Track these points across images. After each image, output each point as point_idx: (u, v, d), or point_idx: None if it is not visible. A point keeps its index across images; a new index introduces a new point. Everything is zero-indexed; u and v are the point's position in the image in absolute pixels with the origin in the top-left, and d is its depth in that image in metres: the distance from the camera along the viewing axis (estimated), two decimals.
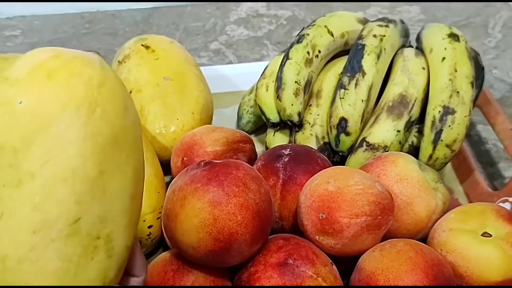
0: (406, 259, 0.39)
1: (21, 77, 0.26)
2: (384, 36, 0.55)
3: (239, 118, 0.64)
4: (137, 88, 0.56)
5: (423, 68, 0.55)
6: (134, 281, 0.35)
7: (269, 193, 0.41)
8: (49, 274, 0.26)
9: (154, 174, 0.50)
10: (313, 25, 0.58)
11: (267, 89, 0.57)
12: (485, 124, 0.64)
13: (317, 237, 0.42)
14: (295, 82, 0.54)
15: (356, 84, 0.52)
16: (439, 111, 0.51)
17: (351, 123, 0.52)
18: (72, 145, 0.26)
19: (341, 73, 0.55)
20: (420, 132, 0.54)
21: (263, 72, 0.59)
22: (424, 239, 0.45)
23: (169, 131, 0.55)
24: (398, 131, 0.52)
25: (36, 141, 0.26)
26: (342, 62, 0.58)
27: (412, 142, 0.55)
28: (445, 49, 0.54)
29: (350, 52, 0.55)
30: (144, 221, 0.47)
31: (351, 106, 0.52)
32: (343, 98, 0.52)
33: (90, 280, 0.28)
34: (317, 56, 0.56)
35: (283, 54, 0.57)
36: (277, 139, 0.57)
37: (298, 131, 0.56)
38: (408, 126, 0.52)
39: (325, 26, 0.58)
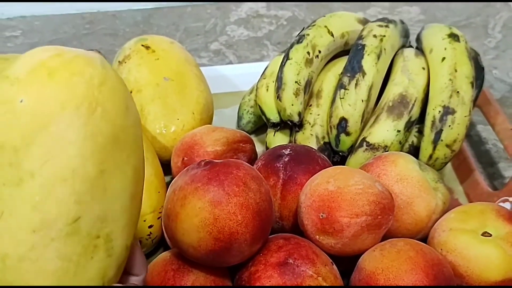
0: (406, 259, 0.39)
1: (22, 75, 0.26)
2: (384, 36, 0.55)
3: (239, 118, 0.64)
4: (138, 88, 0.56)
5: (423, 68, 0.55)
6: (134, 280, 0.35)
7: (269, 193, 0.42)
8: (49, 273, 0.26)
9: (155, 174, 0.50)
10: (313, 25, 0.58)
11: (267, 89, 0.57)
12: (485, 124, 0.65)
13: (317, 236, 0.42)
14: (295, 82, 0.54)
15: (356, 84, 0.52)
16: (439, 111, 0.51)
17: (351, 123, 0.52)
18: (72, 145, 0.26)
19: (341, 73, 0.55)
20: (420, 132, 0.54)
21: (263, 72, 0.59)
22: (424, 239, 0.45)
23: (170, 131, 0.55)
24: (398, 131, 0.52)
25: (36, 140, 0.26)
26: (342, 62, 0.58)
27: (412, 142, 0.55)
28: (445, 49, 0.54)
29: (350, 52, 0.55)
30: (144, 221, 0.47)
31: (351, 106, 0.52)
32: (343, 98, 0.52)
33: (90, 279, 0.28)
34: (317, 56, 0.56)
35: (283, 55, 0.57)
36: (277, 139, 0.57)
37: (298, 131, 0.56)
38: (408, 126, 0.52)
39: (325, 26, 0.58)
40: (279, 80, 0.54)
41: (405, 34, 0.60)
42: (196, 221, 0.38)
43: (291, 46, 0.56)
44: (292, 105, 0.54)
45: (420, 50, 0.58)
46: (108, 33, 0.84)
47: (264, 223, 0.40)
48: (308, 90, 0.56)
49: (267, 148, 0.58)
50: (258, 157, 0.52)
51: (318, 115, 0.56)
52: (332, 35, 0.58)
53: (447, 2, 0.90)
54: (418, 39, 0.60)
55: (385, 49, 0.54)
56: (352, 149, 0.54)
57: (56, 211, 0.26)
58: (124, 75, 0.58)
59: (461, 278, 0.42)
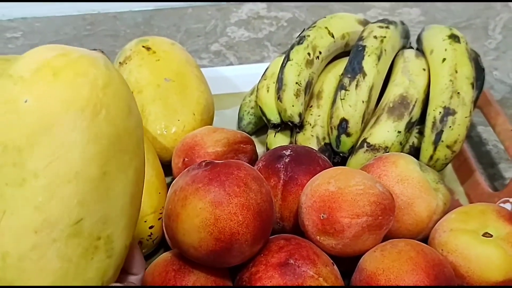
0: (407, 259, 0.39)
1: (26, 75, 0.26)
2: (385, 37, 0.55)
3: (240, 119, 0.64)
4: (138, 89, 0.56)
5: (424, 69, 0.55)
6: (132, 279, 0.35)
7: (270, 193, 0.42)
8: (49, 273, 0.27)
9: (155, 175, 0.50)
10: (314, 26, 0.58)
11: (268, 90, 0.57)
12: (485, 125, 0.65)
13: (318, 237, 0.42)
14: (296, 83, 0.54)
15: (356, 85, 0.52)
16: (440, 112, 0.51)
17: (352, 124, 0.52)
18: (76, 147, 0.26)
19: (342, 74, 0.55)
20: (421, 133, 0.54)
21: (263, 74, 0.60)
22: (425, 240, 0.45)
23: (170, 132, 0.55)
24: (399, 132, 0.52)
25: (40, 141, 0.26)
26: (342, 63, 0.58)
27: (413, 143, 0.55)
28: (446, 50, 0.54)
29: (350, 53, 0.55)
30: (145, 221, 0.47)
31: (351, 107, 0.52)
32: (343, 99, 0.52)
33: (89, 279, 0.28)
34: (317, 57, 0.56)
35: (283, 56, 0.57)
36: (278, 140, 0.57)
37: (299, 132, 0.56)
38: (409, 127, 0.52)
39: (326, 28, 0.58)
40: (280, 81, 0.54)
41: (406, 35, 0.60)
42: (197, 221, 0.38)
43: (292, 47, 0.56)
44: (293, 106, 0.54)
45: (420, 51, 0.58)
46: (109, 34, 0.84)
47: (265, 224, 0.40)
48: (309, 91, 0.56)
49: (267, 149, 0.58)
50: (258, 158, 0.52)
51: (319, 116, 0.56)
52: (333, 36, 0.58)
53: (447, 4, 0.90)
54: (419, 40, 0.60)
55: (385, 50, 0.55)
56: (352, 150, 0.54)
57: (58, 212, 0.26)
58: (125, 76, 0.58)
59: (462, 279, 0.42)
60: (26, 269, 0.26)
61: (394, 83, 0.54)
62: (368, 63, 0.53)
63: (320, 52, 0.56)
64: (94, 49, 0.29)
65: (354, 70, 0.53)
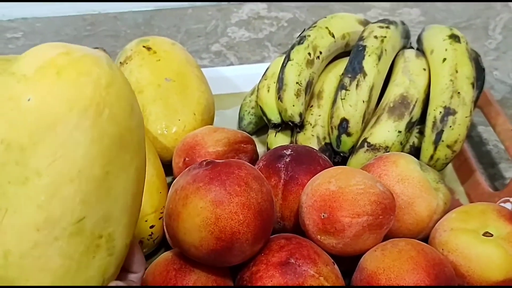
0: (407, 259, 0.39)
1: (30, 73, 0.26)
2: (385, 37, 0.55)
3: (241, 119, 0.64)
4: (139, 89, 0.57)
5: (424, 69, 0.55)
6: (132, 277, 0.35)
7: (271, 193, 0.42)
8: (50, 271, 0.27)
9: (156, 174, 0.50)
10: (314, 26, 0.58)
11: (268, 90, 0.57)
12: (486, 125, 0.65)
13: (318, 236, 0.42)
14: (296, 83, 0.54)
15: (357, 85, 0.52)
16: (440, 112, 0.51)
17: (352, 123, 0.52)
18: (80, 146, 0.26)
19: (342, 74, 0.55)
20: (421, 132, 0.54)
21: (264, 73, 0.60)
22: (426, 239, 0.45)
23: (171, 131, 0.55)
24: (399, 131, 0.52)
25: (43, 140, 0.26)
26: (343, 63, 0.58)
27: (413, 142, 0.55)
28: (446, 50, 0.54)
29: (351, 53, 0.55)
30: (146, 221, 0.47)
31: (352, 106, 0.52)
32: (344, 99, 0.52)
33: (91, 277, 0.29)
34: (318, 57, 0.56)
35: (284, 56, 0.57)
36: (278, 139, 0.57)
37: (299, 132, 0.56)
38: (409, 127, 0.52)
39: (326, 28, 0.58)
40: (280, 81, 0.55)
41: (406, 35, 0.60)
42: (197, 220, 0.38)
43: (292, 47, 0.56)
44: (293, 105, 0.54)
45: (421, 51, 0.59)
46: (109, 34, 0.84)
47: (266, 223, 0.40)
48: (309, 91, 0.56)
49: (268, 148, 0.58)
50: (259, 158, 0.52)
51: (319, 115, 0.56)
52: (333, 36, 0.58)
53: (447, 4, 0.90)
54: (419, 40, 0.60)
55: (386, 50, 0.55)
56: (353, 150, 0.54)
57: (61, 211, 0.26)
58: (126, 76, 0.58)
59: (462, 278, 0.42)
60: (27, 267, 0.26)
61: (395, 83, 0.55)
62: (369, 63, 0.53)
63: (320, 52, 0.57)
64: (96, 47, 0.29)
65: (355, 70, 0.53)
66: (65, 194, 0.26)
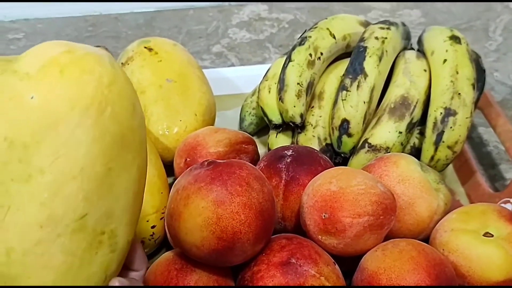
0: (408, 259, 0.39)
1: (32, 71, 0.26)
2: (386, 38, 0.55)
3: (242, 120, 0.64)
4: (141, 90, 0.57)
5: (425, 70, 0.55)
6: (134, 275, 0.35)
7: (272, 193, 0.42)
8: (53, 268, 0.27)
9: (157, 175, 0.50)
10: (315, 27, 0.58)
11: (269, 91, 0.57)
12: (486, 126, 0.65)
13: (319, 236, 0.42)
14: (297, 84, 0.54)
15: (358, 86, 0.52)
16: (441, 113, 0.51)
17: (353, 124, 0.52)
18: (82, 145, 0.26)
19: (343, 75, 0.55)
20: (422, 133, 0.54)
21: (265, 74, 0.60)
22: (426, 240, 0.46)
23: (172, 132, 0.55)
24: (400, 132, 0.52)
25: (46, 138, 0.26)
26: (344, 64, 0.58)
27: (414, 143, 0.55)
28: (447, 51, 0.54)
29: (352, 54, 0.55)
30: (147, 221, 0.47)
31: (353, 107, 0.52)
32: (345, 99, 0.52)
33: (93, 274, 0.29)
34: (319, 58, 0.56)
35: (285, 57, 0.57)
36: (279, 140, 0.58)
37: (300, 133, 0.56)
38: (410, 128, 0.53)
39: (327, 29, 0.58)
40: (281, 81, 0.55)
41: (407, 36, 0.60)
42: (199, 220, 0.38)
43: (293, 48, 0.56)
44: (294, 106, 0.54)
45: (421, 52, 0.59)
46: (110, 35, 0.84)
47: (267, 223, 0.40)
48: (310, 92, 0.56)
49: (269, 149, 0.58)
50: (260, 159, 0.52)
51: (320, 116, 0.56)
52: (334, 37, 0.58)
53: (448, 5, 0.90)
54: (420, 42, 0.60)
55: (386, 51, 0.55)
56: (354, 151, 0.54)
57: (63, 208, 0.26)
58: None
59: (463, 278, 0.42)
60: (30, 264, 0.26)
61: (395, 84, 0.55)
62: (370, 64, 0.53)
63: (321, 53, 0.57)
64: (98, 46, 0.30)
65: (356, 71, 0.53)
66: (67, 192, 0.26)
